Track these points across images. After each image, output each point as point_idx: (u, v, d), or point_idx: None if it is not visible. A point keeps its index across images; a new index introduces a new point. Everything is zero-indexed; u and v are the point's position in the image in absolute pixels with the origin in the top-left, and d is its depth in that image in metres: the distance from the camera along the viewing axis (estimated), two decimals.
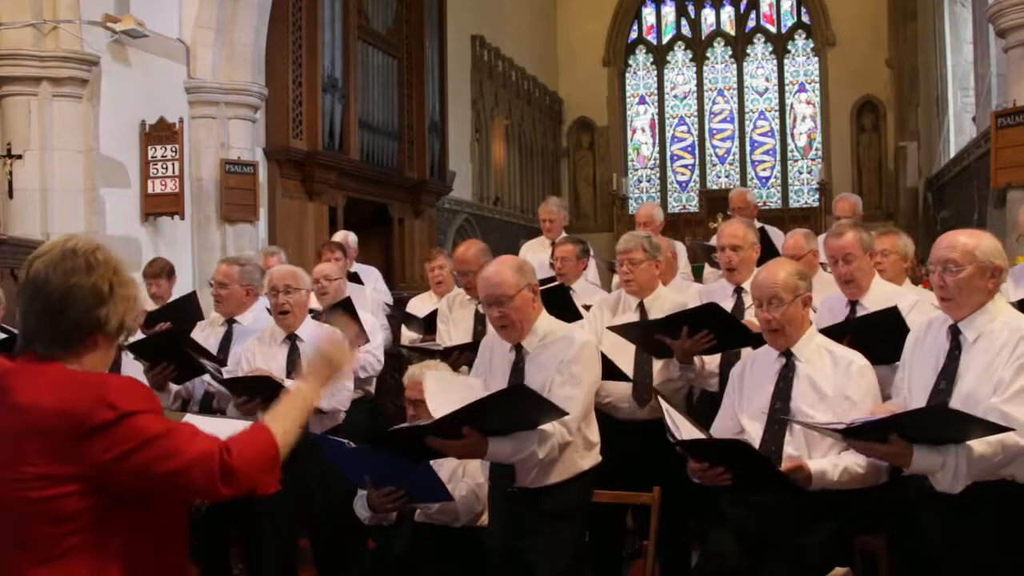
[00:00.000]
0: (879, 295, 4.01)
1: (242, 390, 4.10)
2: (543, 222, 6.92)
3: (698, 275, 7.35)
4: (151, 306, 5.72)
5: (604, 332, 4.19)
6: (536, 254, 6.38)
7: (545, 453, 3.20)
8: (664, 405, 3.30)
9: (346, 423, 4.42)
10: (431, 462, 3.71)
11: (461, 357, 4.37)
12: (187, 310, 5.34)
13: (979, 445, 2.75)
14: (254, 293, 4.79)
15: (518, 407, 3.11)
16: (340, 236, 7.43)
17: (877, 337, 3.49)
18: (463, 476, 3.76)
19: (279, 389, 4.05)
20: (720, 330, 3.87)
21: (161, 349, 4.25)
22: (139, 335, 4.86)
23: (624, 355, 4.16)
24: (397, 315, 6.34)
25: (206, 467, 1.89)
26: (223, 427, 2.77)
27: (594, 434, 3.48)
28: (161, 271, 6.13)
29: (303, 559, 4.52)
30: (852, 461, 3.05)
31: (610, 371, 3.97)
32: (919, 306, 3.90)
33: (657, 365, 4.23)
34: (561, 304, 4.38)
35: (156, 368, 4.20)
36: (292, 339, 4.32)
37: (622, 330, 4.17)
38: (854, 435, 2.82)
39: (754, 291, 3.35)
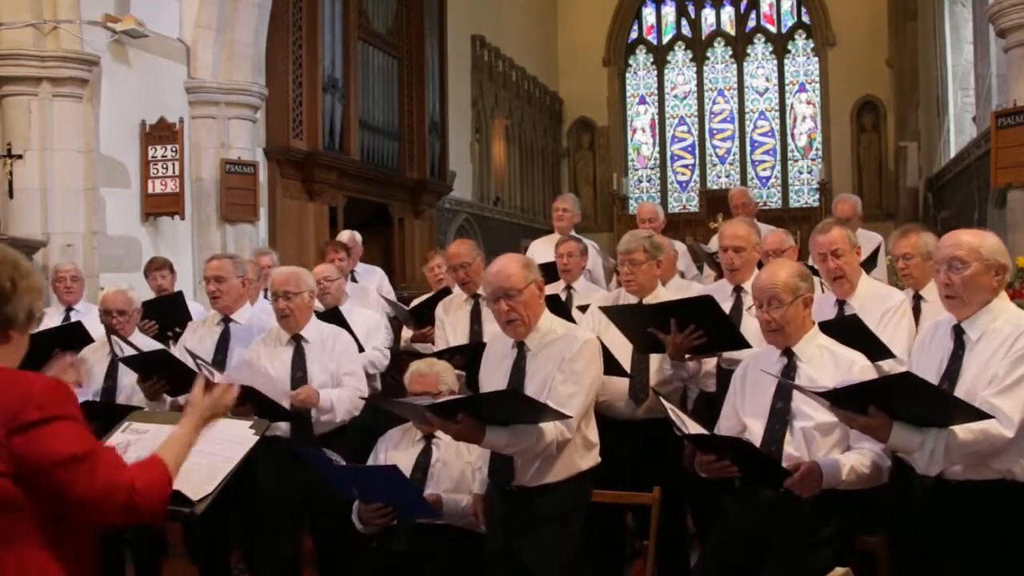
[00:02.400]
0: (867, 295, 4.01)
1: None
2: (556, 211, 6.81)
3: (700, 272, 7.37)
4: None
5: (603, 331, 4.17)
6: (546, 250, 6.37)
7: (542, 448, 3.19)
8: (667, 404, 3.30)
9: (351, 421, 4.43)
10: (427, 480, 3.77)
11: (454, 359, 4.37)
12: (173, 309, 5.34)
13: (961, 431, 2.75)
14: (249, 284, 4.80)
15: (516, 408, 3.11)
16: (346, 236, 7.42)
17: (848, 341, 3.49)
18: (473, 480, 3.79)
19: (261, 396, 4.06)
20: (711, 327, 3.85)
21: (154, 365, 4.26)
22: (137, 334, 4.86)
23: (622, 355, 4.14)
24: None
25: (112, 501, 1.98)
26: (222, 427, 2.77)
27: (594, 435, 3.46)
28: (164, 264, 6.24)
29: (306, 560, 4.52)
30: (858, 461, 3.05)
31: (611, 366, 3.97)
32: (907, 305, 3.91)
33: (654, 365, 4.22)
34: (556, 311, 4.37)
35: (148, 381, 4.21)
36: (297, 339, 4.32)
37: (612, 312, 4.15)
38: (838, 402, 2.81)
39: (754, 292, 3.34)
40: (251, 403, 4.03)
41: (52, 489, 1.95)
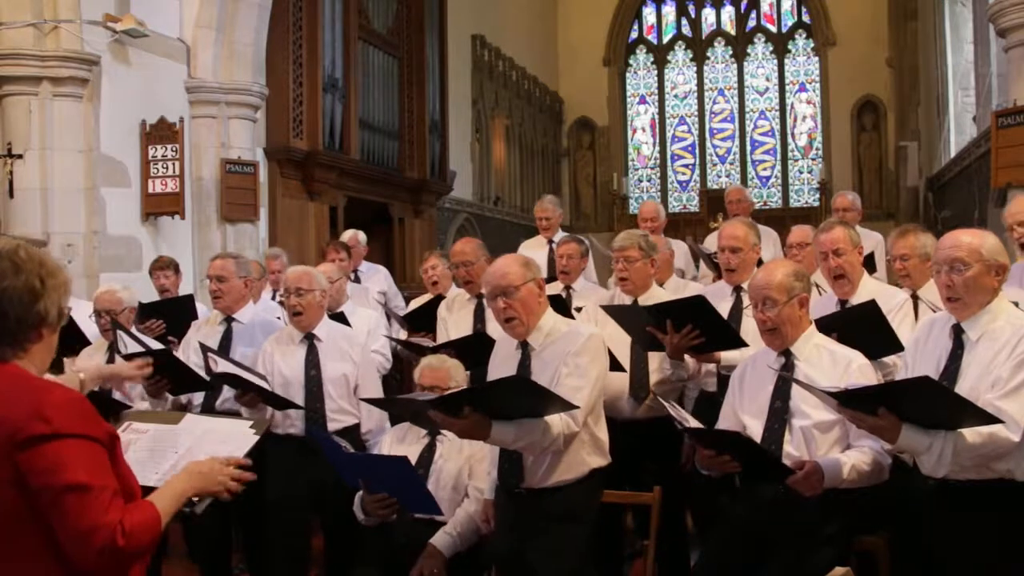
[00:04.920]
0: (868, 294, 4.00)
1: (235, 384, 4.13)
2: (540, 220, 6.95)
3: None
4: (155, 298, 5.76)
5: (600, 329, 4.17)
6: (534, 253, 6.38)
7: (550, 442, 3.15)
8: (664, 402, 3.31)
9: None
10: (429, 475, 3.76)
11: (447, 352, 4.38)
12: (182, 311, 5.34)
13: (969, 434, 2.76)
14: (252, 285, 4.80)
15: (523, 397, 3.06)
16: (349, 235, 7.43)
17: (861, 333, 3.49)
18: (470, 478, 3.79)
19: (253, 384, 4.09)
20: (707, 326, 3.86)
21: (157, 365, 4.27)
22: (135, 331, 4.86)
23: (620, 352, 4.14)
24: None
25: (91, 544, 1.89)
26: (223, 427, 2.77)
27: (603, 433, 3.43)
28: (169, 263, 6.23)
29: (313, 559, 4.51)
30: (859, 459, 3.05)
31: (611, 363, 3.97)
32: (910, 305, 3.92)
33: (653, 363, 4.21)
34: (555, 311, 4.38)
35: (151, 379, 4.21)
36: (310, 338, 4.33)
37: (613, 311, 4.16)
38: (847, 402, 2.81)
39: (750, 292, 3.35)
40: (257, 393, 4.06)
41: (42, 510, 1.90)
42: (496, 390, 3.10)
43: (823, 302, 4.16)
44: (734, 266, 4.40)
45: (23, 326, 2.03)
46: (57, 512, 1.89)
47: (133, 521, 1.94)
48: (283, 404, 4.15)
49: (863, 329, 3.55)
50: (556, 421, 3.14)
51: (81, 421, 1.94)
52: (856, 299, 4.00)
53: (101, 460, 1.96)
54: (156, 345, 4.73)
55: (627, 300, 4.39)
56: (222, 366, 4.20)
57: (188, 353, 4.64)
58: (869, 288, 4.07)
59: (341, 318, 4.94)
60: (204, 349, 4.31)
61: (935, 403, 2.76)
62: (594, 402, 3.33)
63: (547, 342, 3.34)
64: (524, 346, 3.37)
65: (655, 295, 4.39)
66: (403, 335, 5.74)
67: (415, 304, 5.97)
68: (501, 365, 3.45)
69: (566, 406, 3.08)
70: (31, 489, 1.89)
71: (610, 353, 3.93)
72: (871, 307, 3.68)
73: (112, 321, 4.70)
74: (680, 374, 4.15)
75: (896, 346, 3.60)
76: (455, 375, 3.89)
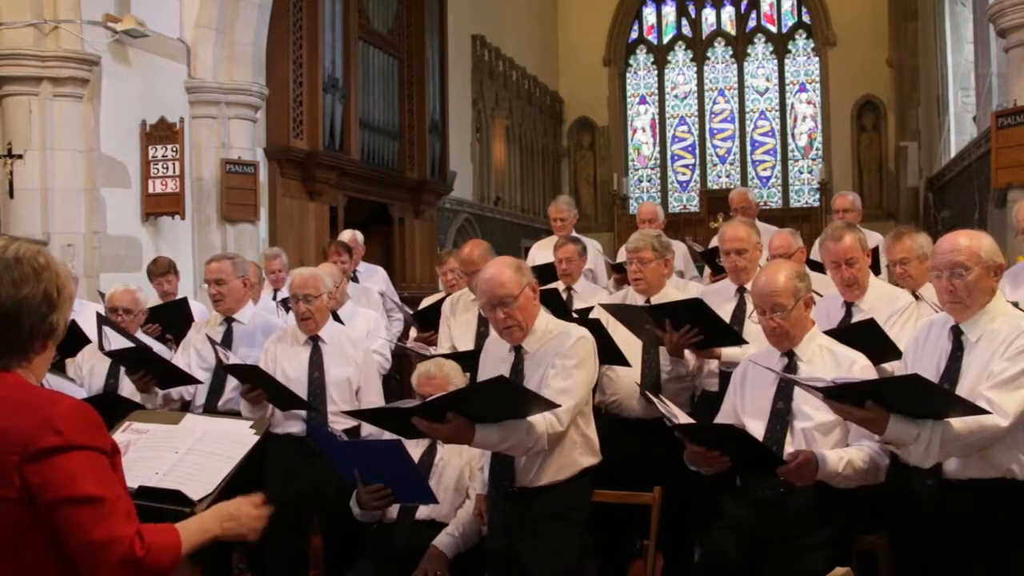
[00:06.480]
0: (876, 296, 4.01)
1: (247, 378, 4.14)
2: (555, 221, 6.84)
3: (699, 273, 7.38)
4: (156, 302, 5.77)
5: (613, 328, 4.18)
6: (546, 253, 6.37)
7: (534, 441, 3.12)
8: (653, 397, 3.30)
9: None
10: (430, 477, 3.75)
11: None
12: (177, 314, 5.35)
13: (957, 423, 2.75)
14: (251, 284, 4.82)
15: (504, 399, 3.04)
16: (347, 235, 7.42)
17: (862, 343, 3.49)
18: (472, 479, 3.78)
19: (271, 379, 4.11)
20: (705, 327, 3.87)
21: (138, 360, 4.29)
22: (140, 335, 4.89)
23: (632, 352, 4.15)
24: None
25: (107, 556, 1.83)
26: (223, 427, 2.78)
27: (593, 432, 3.43)
28: (169, 268, 6.23)
29: (313, 559, 4.51)
30: (855, 455, 3.04)
31: (612, 355, 3.96)
32: (914, 307, 3.91)
33: (665, 360, 4.21)
34: (555, 308, 4.37)
35: (137, 374, 4.24)
36: (314, 339, 4.36)
37: (613, 309, 4.16)
38: (834, 395, 2.80)
39: (755, 298, 3.32)
40: (263, 388, 4.07)
41: (53, 524, 1.83)
42: (477, 393, 3.07)
43: (828, 303, 4.15)
44: (742, 267, 4.39)
45: (34, 336, 1.95)
46: (71, 525, 1.82)
47: (154, 539, 1.88)
48: (291, 403, 4.15)
49: (863, 340, 3.54)
50: (539, 421, 3.11)
51: (90, 432, 1.88)
52: (864, 301, 3.99)
53: (109, 472, 1.90)
54: (148, 340, 4.78)
55: (640, 300, 4.38)
56: (233, 360, 4.21)
57: (189, 353, 4.66)
58: (876, 290, 4.06)
59: (336, 318, 4.94)
60: (213, 343, 4.33)
61: (923, 399, 2.75)
62: (582, 403, 3.31)
63: (539, 344, 3.33)
64: (518, 349, 3.35)
65: (668, 295, 4.39)
66: (412, 332, 5.74)
67: (427, 302, 5.94)
68: (493, 368, 3.42)
69: (548, 405, 3.06)
70: (40, 503, 1.83)
71: (615, 347, 3.94)
72: (869, 325, 3.68)
73: (98, 315, 4.73)
74: (679, 370, 4.15)
75: (896, 354, 3.60)
76: (454, 379, 3.84)
